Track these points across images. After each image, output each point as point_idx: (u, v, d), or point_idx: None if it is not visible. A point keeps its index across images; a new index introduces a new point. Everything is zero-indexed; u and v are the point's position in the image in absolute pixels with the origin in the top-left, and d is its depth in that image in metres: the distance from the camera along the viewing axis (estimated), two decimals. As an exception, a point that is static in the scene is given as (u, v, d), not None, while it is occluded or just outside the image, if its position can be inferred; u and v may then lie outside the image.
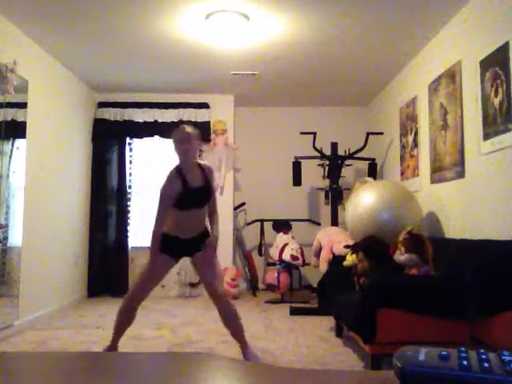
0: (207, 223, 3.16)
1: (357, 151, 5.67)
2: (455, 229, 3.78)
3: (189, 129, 3.00)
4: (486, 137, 3.26)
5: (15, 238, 4.16)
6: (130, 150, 6.22)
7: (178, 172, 2.96)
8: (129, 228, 6.09)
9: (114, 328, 3.10)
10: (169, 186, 2.93)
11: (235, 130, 6.41)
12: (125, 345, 3.62)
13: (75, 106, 5.55)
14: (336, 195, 5.60)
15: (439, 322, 2.66)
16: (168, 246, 3.03)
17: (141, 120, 6.10)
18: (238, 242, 6.55)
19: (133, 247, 6.08)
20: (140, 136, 6.21)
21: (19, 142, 4.22)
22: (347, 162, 5.82)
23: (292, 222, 6.02)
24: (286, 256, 5.53)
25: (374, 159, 5.78)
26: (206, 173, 3.04)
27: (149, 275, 3.06)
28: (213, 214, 3.14)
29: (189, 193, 2.96)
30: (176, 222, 3.03)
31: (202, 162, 3.15)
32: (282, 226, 5.90)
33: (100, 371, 0.54)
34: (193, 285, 6.00)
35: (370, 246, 3.40)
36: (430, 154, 4.33)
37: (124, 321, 3.08)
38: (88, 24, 4.05)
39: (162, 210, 2.94)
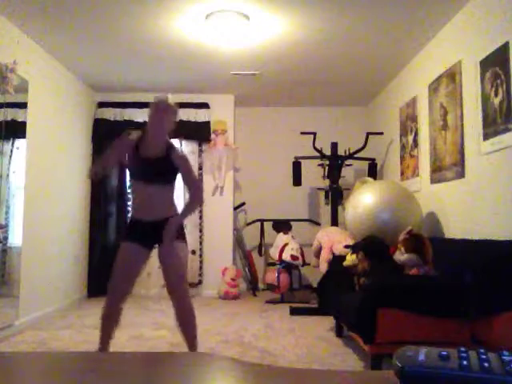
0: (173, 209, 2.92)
1: (357, 151, 5.67)
2: (455, 229, 3.78)
3: (167, 101, 2.88)
4: (486, 137, 3.26)
5: (15, 238, 4.16)
6: (130, 150, 6.22)
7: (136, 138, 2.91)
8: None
9: (101, 332, 2.84)
10: (119, 140, 2.90)
11: (235, 130, 6.41)
12: (125, 345, 3.62)
13: (75, 106, 5.55)
14: (336, 195, 5.60)
15: (439, 321, 2.66)
16: (132, 231, 2.89)
17: (141, 120, 6.09)
18: (238, 242, 6.55)
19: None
20: (140, 136, 6.20)
21: (19, 142, 4.22)
22: (347, 161, 5.82)
23: (292, 222, 6.01)
24: (286, 256, 5.53)
25: (373, 159, 5.78)
26: (170, 151, 2.85)
27: (118, 267, 2.87)
28: (189, 195, 2.98)
29: (138, 161, 2.84)
30: (133, 198, 2.91)
31: (173, 143, 2.97)
32: (282, 226, 5.90)
33: (100, 371, 0.54)
34: (192, 285, 6.00)
35: (370, 246, 3.40)
36: (429, 154, 4.33)
37: (109, 326, 2.84)
38: (88, 24, 4.05)
39: (107, 154, 2.90)
